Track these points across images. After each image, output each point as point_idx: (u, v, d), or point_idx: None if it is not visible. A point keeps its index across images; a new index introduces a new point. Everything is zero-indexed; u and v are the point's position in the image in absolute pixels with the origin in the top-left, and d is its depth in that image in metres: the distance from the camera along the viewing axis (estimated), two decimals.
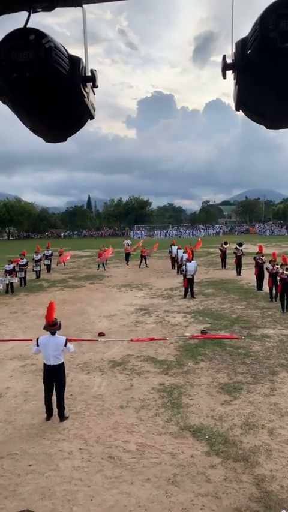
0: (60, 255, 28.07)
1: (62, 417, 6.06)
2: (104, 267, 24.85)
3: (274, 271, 13.40)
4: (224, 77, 1.67)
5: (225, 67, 1.65)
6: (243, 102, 1.75)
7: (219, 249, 23.59)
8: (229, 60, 1.66)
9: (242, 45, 1.60)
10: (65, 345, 6.03)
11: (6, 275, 17.32)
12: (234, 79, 1.69)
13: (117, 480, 4.66)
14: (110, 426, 5.87)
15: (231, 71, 1.67)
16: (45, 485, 4.59)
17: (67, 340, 6.08)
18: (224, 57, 1.65)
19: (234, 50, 1.62)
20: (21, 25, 1.69)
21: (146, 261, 25.54)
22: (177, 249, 22.34)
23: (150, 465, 4.92)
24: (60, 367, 6.06)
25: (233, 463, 4.90)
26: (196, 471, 4.78)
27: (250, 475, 4.67)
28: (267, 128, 1.81)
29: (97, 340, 10.03)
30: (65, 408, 6.13)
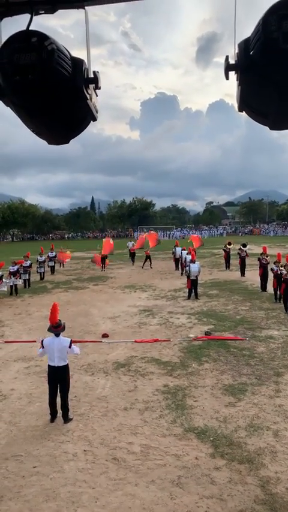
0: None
1: (66, 419, 6.06)
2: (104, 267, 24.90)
3: (279, 273, 13.35)
4: (227, 77, 1.66)
5: (228, 68, 1.64)
6: (246, 103, 1.74)
7: (223, 249, 23.55)
8: (232, 61, 1.65)
9: (244, 46, 1.59)
10: (70, 347, 6.02)
11: (10, 277, 17.37)
12: (237, 80, 1.68)
13: (122, 482, 4.65)
14: (114, 428, 5.86)
15: (234, 72, 1.66)
16: (49, 487, 4.59)
17: (71, 342, 6.08)
18: (227, 58, 1.65)
19: (237, 51, 1.62)
20: (24, 27, 1.69)
21: (150, 261, 25.54)
22: (181, 250, 22.32)
23: (155, 467, 4.91)
24: (65, 369, 6.05)
25: (238, 465, 4.88)
26: (201, 473, 4.75)
27: (255, 477, 4.64)
28: (270, 129, 1.80)
29: (101, 342, 10.02)
30: (69, 410, 6.13)
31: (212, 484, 4.55)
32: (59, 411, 6.13)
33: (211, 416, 6.06)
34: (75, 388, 7.02)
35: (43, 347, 6.05)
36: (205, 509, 4.16)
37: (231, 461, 4.95)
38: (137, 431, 5.73)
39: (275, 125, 1.77)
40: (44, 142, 2.04)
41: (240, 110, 1.77)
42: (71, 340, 6.12)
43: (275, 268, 13.65)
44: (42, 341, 6.13)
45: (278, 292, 13.73)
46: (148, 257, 25.44)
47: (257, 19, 1.54)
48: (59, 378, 6.04)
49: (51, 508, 4.25)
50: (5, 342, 10.35)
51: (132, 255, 27.78)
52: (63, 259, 27.15)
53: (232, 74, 1.68)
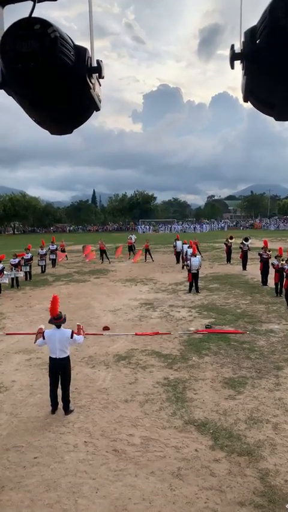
0: (62, 250, 27.93)
1: (67, 410, 6.10)
2: (108, 259, 25.04)
3: (280, 267, 13.34)
4: (232, 67, 1.63)
5: (234, 57, 1.61)
6: (251, 92, 1.71)
7: (225, 243, 23.54)
8: (238, 50, 1.62)
9: (251, 34, 1.56)
10: (71, 337, 6.01)
11: (12, 269, 17.38)
12: (243, 69, 1.65)
13: (122, 473, 4.69)
14: (114, 420, 5.89)
15: (239, 61, 1.63)
16: (50, 478, 4.63)
17: (73, 333, 6.07)
18: (233, 46, 1.61)
19: (242, 39, 1.58)
20: (27, 15, 1.66)
21: (151, 255, 25.58)
22: (182, 243, 22.31)
23: (155, 458, 4.94)
24: (66, 361, 6.07)
25: (237, 457, 4.91)
26: (200, 465, 4.79)
27: (254, 469, 4.68)
28: (276, 119, 1.78)
29: (102, 334, 10.06)
30: (70, 401, 6.16)
31: (211, 475, 4.59)
32: (60, 403, 6.17)
33: (211, 409, 6.09)
34: (76, 380, 7.05)
35: (44, 338, 6.03)
36: (204, 500, 4.19)
37: (231, 454, 4.98)
38: (137, 423, 5.76)
39: (280, 116, 1.74)
40: (45, 134, 2.01)
41: (245, 100, 1.74)
42: (72, 331, 6.11)
43: (276, 263, 13.63)
44: (43, 332, 6.10)
45: (279, 287, 13.73)
46: (147, 250, 25.49)
47: (263, 7, 1.51)
48: (60, 370, 6.05)
49: (52, 498, 4.29)
50: (6, 334, 10.39)
51: (130, 248, 27.76)
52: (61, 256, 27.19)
53: (237, 64, 1.65)
